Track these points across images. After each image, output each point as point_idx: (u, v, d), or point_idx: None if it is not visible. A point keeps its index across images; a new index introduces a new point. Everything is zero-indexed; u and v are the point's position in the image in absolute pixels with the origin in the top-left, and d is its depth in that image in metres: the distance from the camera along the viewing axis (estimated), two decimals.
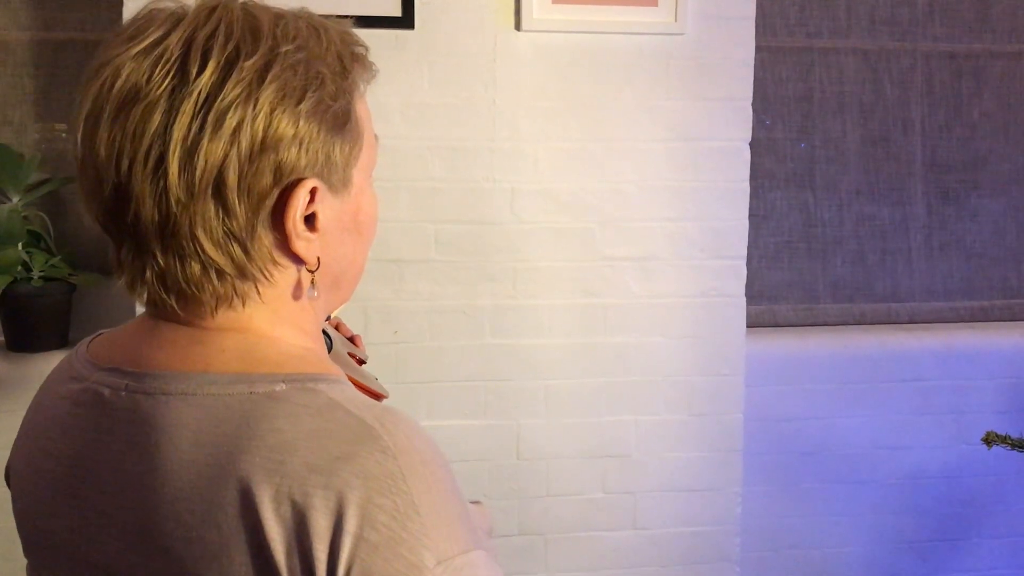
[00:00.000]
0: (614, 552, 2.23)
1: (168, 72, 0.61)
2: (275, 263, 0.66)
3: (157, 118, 0.60)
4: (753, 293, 2.34)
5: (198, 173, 0.60)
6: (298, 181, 0.64)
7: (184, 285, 0.63)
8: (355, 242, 0.73)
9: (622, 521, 2.22)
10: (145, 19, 0.64)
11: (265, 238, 0.64)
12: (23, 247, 2.05)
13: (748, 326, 2.24)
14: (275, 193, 0.63)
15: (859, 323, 2.53)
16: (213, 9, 0.64)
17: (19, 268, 2.05)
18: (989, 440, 1.85)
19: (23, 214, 2.08)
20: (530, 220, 2.11)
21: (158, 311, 0.67)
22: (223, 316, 0.66)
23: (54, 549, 0.68)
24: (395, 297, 2.09)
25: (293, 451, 0.59)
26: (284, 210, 0.64)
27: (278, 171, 0.63)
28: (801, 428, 2.41)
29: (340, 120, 0.67)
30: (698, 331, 2.19)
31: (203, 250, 0.62)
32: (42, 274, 2.07)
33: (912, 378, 2.44)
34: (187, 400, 0.62)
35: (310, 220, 0.66)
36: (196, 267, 0.63)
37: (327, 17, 0.71)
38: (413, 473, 0.59)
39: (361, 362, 1.16)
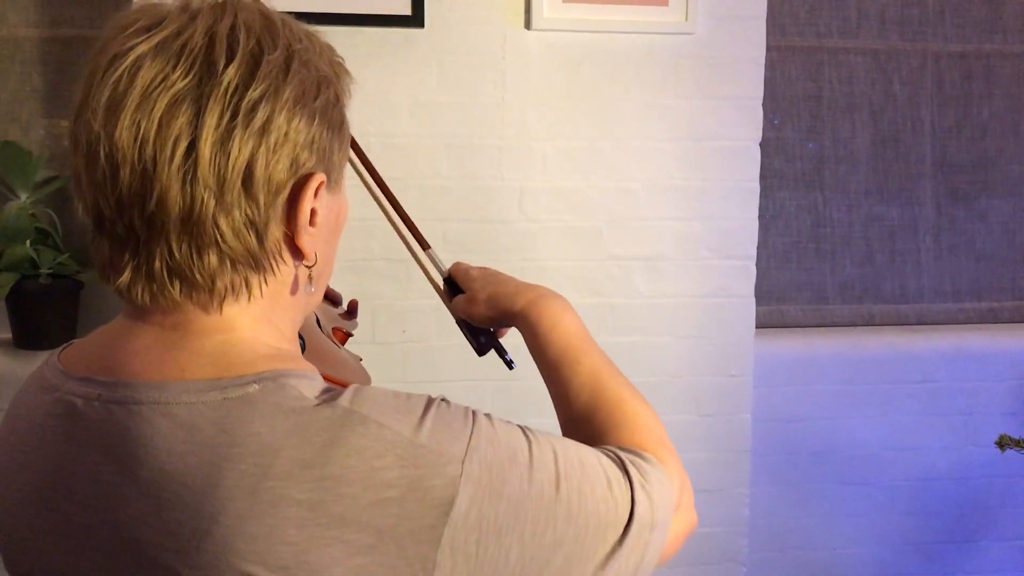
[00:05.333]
0: None
1: (193, 63, 0.62)
2: (280, 257, 0.67)
3: (186, 107, 0.61)
4: (761, 293, 2.34)
5: (230, 162, 0.61)
6: (309, 175, 0.66)
7: (198, 276, 0.63)
8: (333, 242, 0.74)
9: None
10: (152, 11, 0.65)
11: (276, 230, 0.65)
12: (31, 244, 2.05)
13: (756, 326, 2.24)
14: (289, 185, 0.65)
15: (868, 324, 2.53)
16: (224, 5, 0.66)
17: (27, 265, 2.04)
18: (1002, 443, 1.85)
19: (31, 211, 2.08)
20: (538, 219, 2.11)
21: (136, 310, 0.67)
22: (211, 314, 0.66)
23: (38, 564, 0.68)
24: (403, 296, 2.09)
25: (277, 452, 0.59)
26: (297, 202, 0.65)
27: (294, 164, 0.65)
28: (809, 429, 2.40)
29: (338, 121, 0.70)
30: (706, 331, 2.19)
31: (223, 239, 0.63)
32: (50, 271, 2.06)
33: (921, 379, 2.43)
34: (160, 410, 0.62)
35: (311, 215, 0.67)
36: (214, 257, 0.63)
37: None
38: (398, 422, 0.61)
39: (348, 335, 1.14)
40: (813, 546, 2.46)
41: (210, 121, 0.61)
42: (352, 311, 1.18)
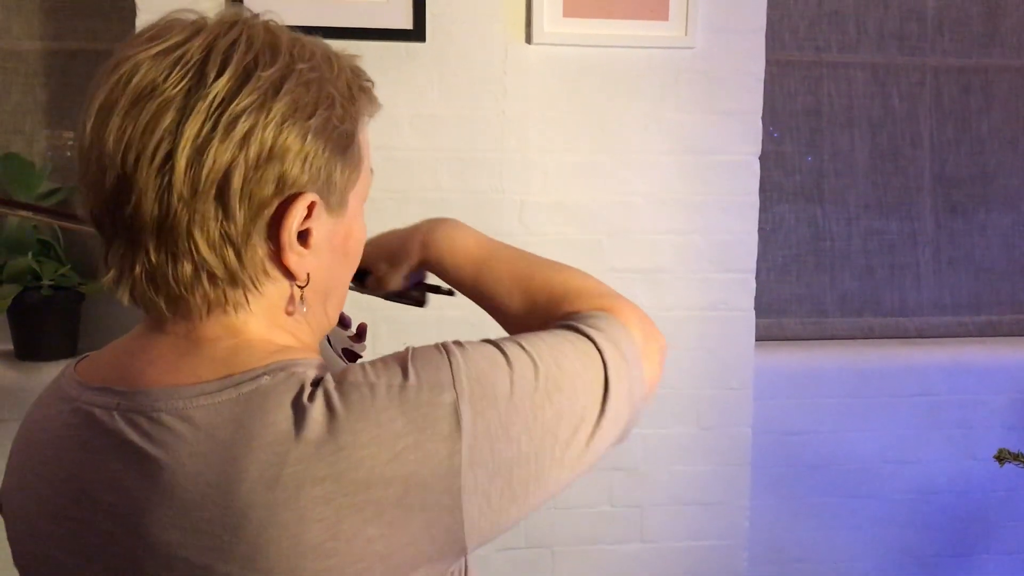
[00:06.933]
0: (621, 565, 2.22)
1: (186, 73, 0.62)
2: (266, 274, 0.67)
3: (170, 115, 0.61)
4: (761, 306, 2.34)
5: (204, 172, 0.61)
6: (298, 195, 0.65)
7: (174, 285, 0.64)
8: (341, 266, 0.74)
9: (629, 534, 2.22)
10: (166, 25, 0.66)
11: (260, 247, 0.65)
12: (33, 256, 2.06)
13: (756, 339, 2.24)
14: (275, 203, 0.65)
15: (867, 337, 2.53)
16: (234, 23, 0.66)
17: (29, 277, 2.05)
18: (1002, 457, 1.85)
19: (33, 223, 2.09)
20: (539, 231, 2.11)
21: (152, 321, 0.68)
22: (215, 322, 0.67)
23: (55, 574, 0.68)
24: (404, 308, 2.08)
25: (293, 438, 0.60)
26: (281, 221, 0.65)
27: (281, 182, 0.64)
28: (809, 442, 2.40)
29: (344, 142, 0.69)
30: (707, 344, 2.19)
31: (197, 250, 0.63)
32: (51, 283, 2.07)
33: (920, 392, 2.43)
34: (179, 414, 0.63)
35: (303, 236, 0.67)
36: (188, 267, 0.64)
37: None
38: (384, 379, 0.64)
39: (357, 357, 1.15)
40: (813, 559, 2.45)
41: (190, 131, 0.61)
42: (361, 334, 1.20)
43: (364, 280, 0.98)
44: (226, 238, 0.63)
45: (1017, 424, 2.46)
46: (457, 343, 0.68)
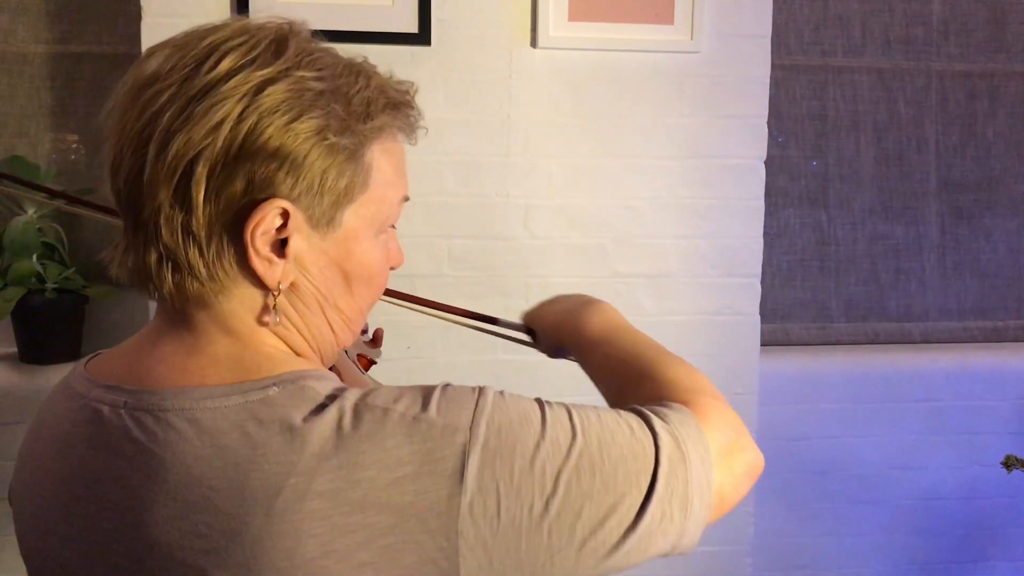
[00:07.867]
0: (624, 570, 2.21)
1: (186, 65, 0.63)
2: (236, 276, 0.66)
3: (160, 101, 0.63)
4: (766, 311, 2.34)
5: (168, 157, 0.62)
6: (267, 198, 0.64)
7: (145, 270, 0.65)
8: (343, 286, 0.71)
9: None
10: (197, 27, 0.68)
11: (227, 247, 0.65)
12: (37, 259, 2.06)
13: (761, 344, 2.23)
14: (243, 203, 0.63)
15: (872, 342, 2.52)
16: (248, 28, 0.67)
17: (33, 280, 2.05)
18: (1009, 464, 1.84)
19: (37, 226, 2.09)
20: (543, 236, 2.11)
21: (160, 320, 0.70)
22: (201, 316, 0.67)
23: (60, 570, 0.68)
24: (407, 312, 2.08)
25: (299, 450, 0.60)
26: (244, 221, 0.64)
27: (251, 183, 0.63)
28: (814, 447, 2.39)
29: (339, 156, 0.66)
30: (711, 349, 2.19)
31: (161, 239, 0.63)
32: (56, 286, 2.07)
33: (925, 398, 2.42)
34: (185, 415, 0.63)
35: (282, 245, 0.66)
36: (154, 255, 0.64)
37: (401, 83, 0.73)
38: (404, 406, 0.63)
39: (372, 363, 1.16)
40: (817, 565, 2.45)
41: (168, 117, 0.62)
42: (377, 339, 1.22)
43: (535, 338, 1.06)
44: (187, 231, 0.63)
45: (1022, 429, 2.45)
46: (500, 391, 0.66)
